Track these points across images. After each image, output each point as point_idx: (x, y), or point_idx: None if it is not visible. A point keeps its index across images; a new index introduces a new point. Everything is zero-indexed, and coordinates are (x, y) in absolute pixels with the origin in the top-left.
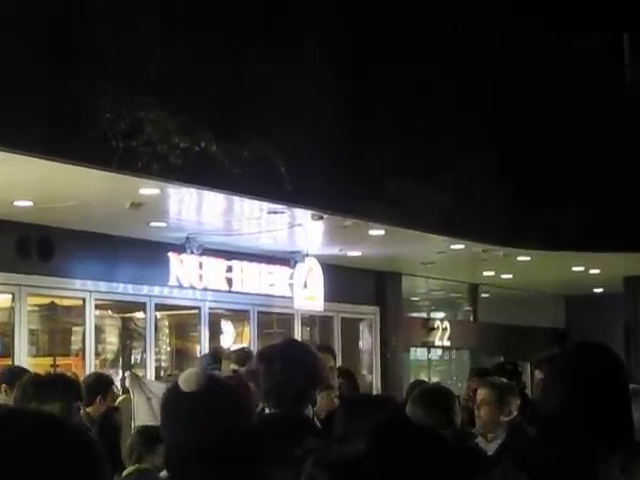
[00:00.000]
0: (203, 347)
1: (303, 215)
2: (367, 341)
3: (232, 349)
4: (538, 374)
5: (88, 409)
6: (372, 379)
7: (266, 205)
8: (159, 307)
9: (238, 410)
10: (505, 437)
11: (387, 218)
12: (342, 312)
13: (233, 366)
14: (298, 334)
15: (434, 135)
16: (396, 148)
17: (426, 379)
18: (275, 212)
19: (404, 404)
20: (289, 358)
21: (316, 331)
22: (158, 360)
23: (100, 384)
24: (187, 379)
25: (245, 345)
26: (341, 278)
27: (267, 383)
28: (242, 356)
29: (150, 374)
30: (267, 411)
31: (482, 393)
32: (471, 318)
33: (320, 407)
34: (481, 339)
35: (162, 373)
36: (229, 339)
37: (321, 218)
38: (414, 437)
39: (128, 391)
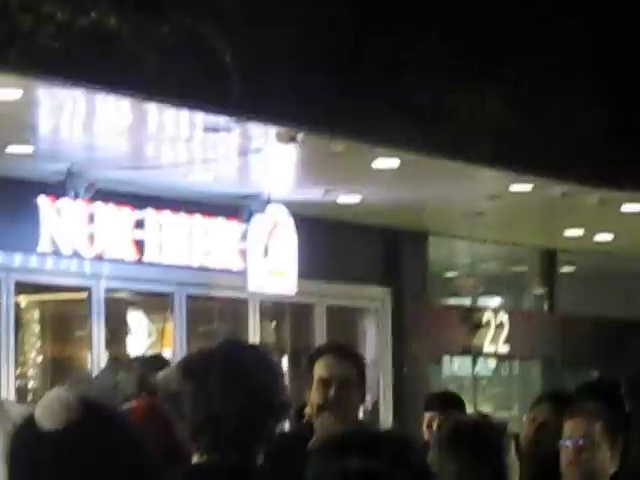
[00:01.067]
0: (96, 354)
1: (263, 134)
2: (371, 345)
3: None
4: None
5: None
6: (379, 407)
7: (201, 117)
8: (22, 288)
9: (140, 462)
10: None
11: (407, 139)
12: (329, 297)
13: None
14: (254, 333)
15: (494, 22)
16: (432, 35)
17: (469, 409)
18: (216, 129)
19: (424, 449)
20: (233, 373)
21: (285, 328)
22: (23, 375)
23: None
24: (49, 409)
25: (164, 350)
26: (328, 241)
27: (197, 414)
28: (155, 368)
29: (8, 395)
30: (195, 460)
31: (579, 429)
32: (545, 307)
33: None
34: (562, 342)
35: (30, 395)
36: (141, 341)
37: (294, 140)
38: None
39: None
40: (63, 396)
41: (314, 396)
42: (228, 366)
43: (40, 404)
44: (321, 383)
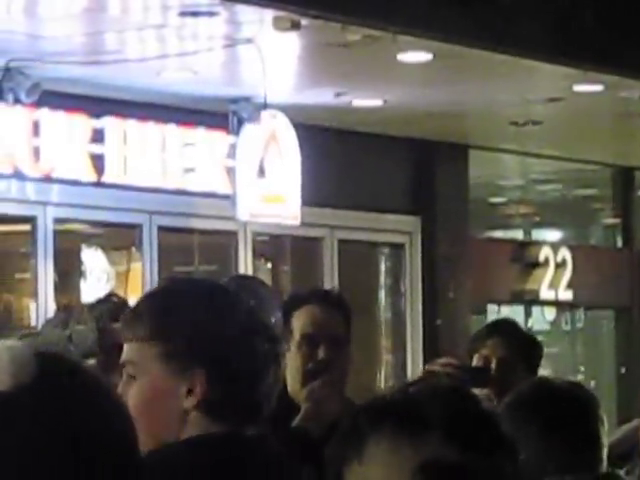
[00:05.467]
0: (42, 302)
1: (256, 19)
2: (396, 291)
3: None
4: None
5: None
6: (406, 370)
7: None
8: None
9: (122, 430)
10: None
11: (440, 23)
12: (342, 229)
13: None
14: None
15: None
16: None
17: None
18: (196, 13)
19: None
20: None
21: (286, 269)
22: None
23: None
24: None
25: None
26: (340, 157)
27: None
28: (113, 312)
29: None
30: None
31: None
32: (619, 242)
33: (316, 409)
34: None
35: None
36: (99, 286)
37: (296, 26)
38: None
39: None
40: (11, 347)
41: (296, 359)
42: (197, 304)
43: None
44: (305, 341)
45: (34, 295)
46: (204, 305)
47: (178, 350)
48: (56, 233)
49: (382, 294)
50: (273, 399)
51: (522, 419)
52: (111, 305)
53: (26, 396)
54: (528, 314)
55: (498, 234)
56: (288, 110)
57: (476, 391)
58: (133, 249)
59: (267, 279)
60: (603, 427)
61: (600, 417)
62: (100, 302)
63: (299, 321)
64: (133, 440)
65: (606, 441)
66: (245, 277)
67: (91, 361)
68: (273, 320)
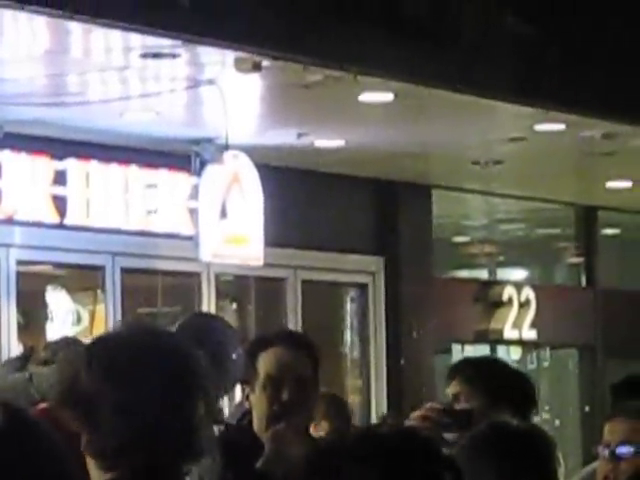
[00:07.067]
0: (5, 344)
1: (218, 60)
2: (359, 331)
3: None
4: None
5: None
6: (370, 410)
7: (139, 39)
8: None
9: (66, 476)
10: None
11: (403, 64)
12: (305, 270)
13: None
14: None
15: None
16: None
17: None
18: (158, 54)
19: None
20: (148, 360)
21: (250, 310)
22: None
23: None
24: None
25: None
26: (303, 198)
27: (122, 425)
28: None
29: None
30: None
31: (620, 433)
32: (582, 281)
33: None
34: (603, 325)
35: None
36: (65, 328)
37: (258, 68)
38: None
39: None
40: None
41: (261, 400)
42: (162, 356)
43: None
44: (270, 383)
45: None
46: None
47: None
48: (19, 275)
49: (346, 334)
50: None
51: (477, 460)
52: (64, 345)
53: None
54: (494, 353)
55: (462, 273)
56: (250, 151)
57: (448, 436)
58: (97, 291)
59: (232, 319)
60: (559, 468)
61: (556, 458)
62: (55, 343)
63: (264, 362)
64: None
65: None
66: (206, 315)
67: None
68: (235, 357)
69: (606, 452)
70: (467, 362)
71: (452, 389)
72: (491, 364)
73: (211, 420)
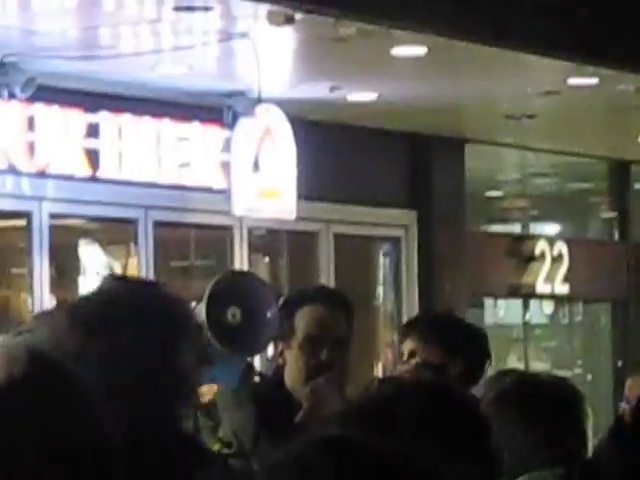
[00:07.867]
0: (38, 298)
1: (250, 13)
2: (391, 285)
3: None
4: None
5: None
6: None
7: None
8: None
9: (100, 426)
10: None
11: (436, 17)
12: (338, 224)
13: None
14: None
15: None
16: None
17: (519, 365)
18: (191, 7)
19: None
20: (131, 312)
21: (282, 264)
22: None
23: None
24: None
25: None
26: (336, 152)
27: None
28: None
29: None
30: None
31: None
32: (616, 235)
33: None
34: (638, 280)
35: None
36: (97, 281)
37: (290, 20)
38: None
39: None
40: (3, 346)
41: (298, 358)
42: (145, 307)
43: None
44: (309, 342)
45: (30, 290)
46: None
47: None
48: (52, 228)
49: (379, 288)
50: None
51: (506, 414)
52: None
53: (18, 392)
54: (526, 308)
55: (495, 228)
56: (283, 104)
57: None
58: (130, 244)
59: (264, 273)
60: (588, 420)
61: (585, 410)
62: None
63: (303, 321)
64: (109, 438)
65: (591, 434)
66: (241, 272)
67: None
68: (270, 315)
69: (627, 408)
70: (422, 319)
71: (408, 346)
72: (445, 320)
73: (203, 366)
